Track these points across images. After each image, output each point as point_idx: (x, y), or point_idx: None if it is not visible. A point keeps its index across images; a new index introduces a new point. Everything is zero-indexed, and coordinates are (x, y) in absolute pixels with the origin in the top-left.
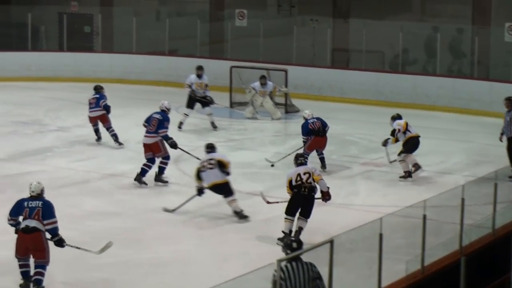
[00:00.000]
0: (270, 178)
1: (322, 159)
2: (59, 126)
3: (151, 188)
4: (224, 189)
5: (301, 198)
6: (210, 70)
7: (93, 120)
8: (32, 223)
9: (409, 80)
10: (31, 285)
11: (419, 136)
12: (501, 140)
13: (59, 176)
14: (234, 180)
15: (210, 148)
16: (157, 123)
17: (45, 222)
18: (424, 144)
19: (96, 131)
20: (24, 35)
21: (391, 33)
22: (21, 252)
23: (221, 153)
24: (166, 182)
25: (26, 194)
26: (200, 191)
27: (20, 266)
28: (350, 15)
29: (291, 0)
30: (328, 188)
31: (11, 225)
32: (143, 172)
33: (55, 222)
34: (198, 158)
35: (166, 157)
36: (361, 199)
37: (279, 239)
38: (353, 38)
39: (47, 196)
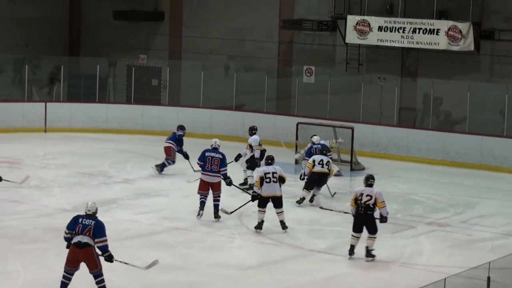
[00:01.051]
0: (334, 235)
1: None
2: (124, 178)
3: (214, 242)
4: (279, 202)
5: (359, 216)
6: (277, 126)
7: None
8: (84, 239)
9: (476, 140)
10: None
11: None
12: None
13: (123, 228)
14: (297, 238)
15: (271, 160)
16: (219, 162)
17: (96, 240)
18: (490, 205)
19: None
20: (92, 86)
21: (459, 92)
22: (71, 264)
23: (280, 168)
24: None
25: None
26: (255, 198)
27: (64, 277)
28: (418, 74)
29: (359, 58)
30: (388, 213)
31: (66, 238)
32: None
33: (105, 240)
34: (248, 193)
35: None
36: (424, 259)
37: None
38: (420, 97)
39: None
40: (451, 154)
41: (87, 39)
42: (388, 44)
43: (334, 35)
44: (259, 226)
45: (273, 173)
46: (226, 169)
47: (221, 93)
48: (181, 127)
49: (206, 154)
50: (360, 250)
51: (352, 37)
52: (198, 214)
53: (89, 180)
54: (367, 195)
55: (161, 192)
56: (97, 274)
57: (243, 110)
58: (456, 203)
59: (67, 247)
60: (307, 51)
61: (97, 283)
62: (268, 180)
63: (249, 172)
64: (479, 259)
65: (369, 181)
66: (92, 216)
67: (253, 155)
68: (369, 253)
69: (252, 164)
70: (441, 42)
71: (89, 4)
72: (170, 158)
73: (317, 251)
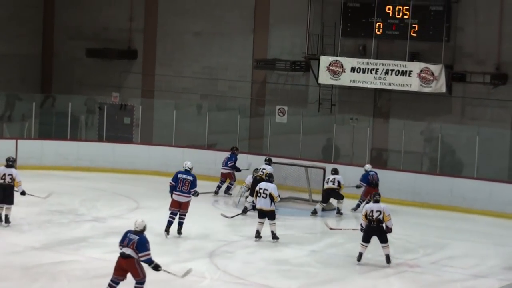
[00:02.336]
0: (305, 275)
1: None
2: (94, 216)
3: (184, 281)
4: (271, 215)
5: (372, 229)
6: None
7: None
8: (128, 251)
9: (447, 182)
10: None
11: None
12: None
13: (93, 267)
14: (268, 277)
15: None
16: (190, 184)
17: (140, 254)
18: (459, 246)
19: (219, 187)
20: (64, 124)
21: (430, 133)
22: (117, 273)
23: (273, 186)
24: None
25: (60, 284)
26: (245, 211)
27: (109, 285)
28: (390, 115)
29: (332, 98)
30: (392, 225)
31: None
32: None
33: (148, 254)
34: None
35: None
36: None
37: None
38: (392, 138)
39: (80, 286)
40: (421, 195)
41: (59, 77)
42: (360, 85)
43: (307, 75)
44: (257, 235)
45: (264, 189)
46: (195, 190)
47: (193, 132)
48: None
49: (179, 175)
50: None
51: (325, 78)
52: (166, 231)
53: (59, 218)
54: (377, 211)
55: None
56: (139, 281)
57: (215, 149)
58: (426, 244)
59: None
60: (280, 91)
61: None
62: (258, 195)
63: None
64: None
65: (375, 197)
66: (138, 232)
67: None
68: (388, 259)
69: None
70: (413, 83)
71: (62, 42)
72: (232, 181)
73: None
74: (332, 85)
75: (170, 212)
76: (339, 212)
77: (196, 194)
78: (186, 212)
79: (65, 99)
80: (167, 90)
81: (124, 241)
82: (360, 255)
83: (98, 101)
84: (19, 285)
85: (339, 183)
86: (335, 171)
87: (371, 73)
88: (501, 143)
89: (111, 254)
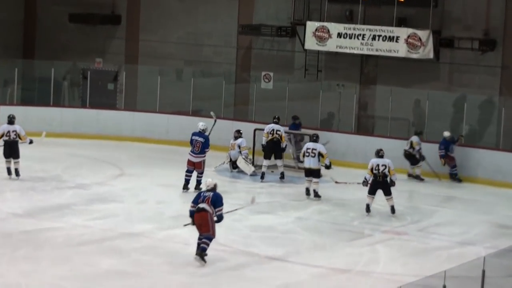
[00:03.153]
0: (291, 243)
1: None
2: (78, 183)
3: (169, 248)
4: (317, 174)
5: (378, 183)
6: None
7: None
8: (202, 205)
9: (434, 148)
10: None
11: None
12: None
13: (76, 234)
14: (253, 244)
15: (316, 137)
16: (201, 145)
17: (215, 209)
18: (447, 214)
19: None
20: (47, 90)
21: (417, 101)
22: (198, 229)
23: (320, 145)
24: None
25: (44, 252)
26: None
27: (199, 238)
28: (377, 82)
29: (318, 65)
30: (396, 179)
31: (190, 212)
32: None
33: (222, 209)
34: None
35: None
36: (381, 267)
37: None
38: (379, 104)
39: (64, 253)
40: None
41: (42, 43)
42: (347, 51)
43: (293, 41)
44: (307, 192)
45: (313, 149)
46: (207, 150)
47: (178, 98)
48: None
49: (192, 137)
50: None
51: (311, 43)
52: (184, 189)
53: (42, 184)
54: (382, 165)
55: (116, 198)
56: (205, 236)
57: (200, 115)
58: (413, 212)
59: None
60: (265, 57)
61: (202, 242)
62: (307, 155)
63: (277, 161)
64: (435, 268)
65: (380, 152)
66: (211, 190)
67: None
68: (393, 210)
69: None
70: (400, 49)
71: (45, 7)
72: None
73: (272, 258)
74: (318, 51)
75: (186, 170)
76: (317, 195)
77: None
78: (201, 170)
79: (48, 65)
80: (151, 56)
81: (198, 199)
82: (368, 206)
83: (81, 67)
84: (2, 253)
85: (320, 155)
86: (316, 138)
87: (358, 39)
88: (489, 110)
89: (94, 221)
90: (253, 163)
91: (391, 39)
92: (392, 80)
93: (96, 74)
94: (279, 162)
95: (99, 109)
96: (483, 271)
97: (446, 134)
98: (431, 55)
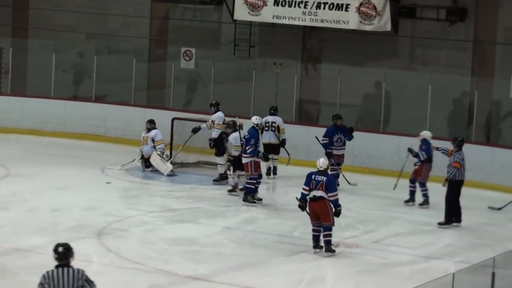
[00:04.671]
0: (217, 259)
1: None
2: None
3: None
4: (277, 150)
5: None
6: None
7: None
8: (319, 193)
9: (393, 141)
10: (322, 245)
11: None
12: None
13: None
14: (171, 261)
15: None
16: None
17: (329, 194)
18: (408, 221)
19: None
20: None
21: (371, 82)
22: (314, 218)
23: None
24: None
25: None
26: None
27: (313, 230)
28: (322, 60)
29: (250, 39)
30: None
31: (303, 195)
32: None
33: (337, 194)
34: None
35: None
36: (328, 287)
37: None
38: (325, 87)
39: None
40: (361, 158)
41: None
42: (286, 21)
43: (219, 9)
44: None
45: (272, 122)
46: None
47: (78, 80)
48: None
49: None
50: None
51: (241, 13)
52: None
53: None
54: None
55: (0, 204)
56: (327, 226)
57: (105, 101)
58: (367, 219)
59: (301, 204)
60: (186, 30)
61: (324, 236)
62: (267, 128)
63: (218, 159)
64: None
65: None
66: (324, 172)
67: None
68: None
69: (220, 147)
70: (351, 20)
71: None
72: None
73: (195, 277)
74: (250, 22)
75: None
76: (274, 173)
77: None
78: (249, 174)
79: None
80: (44, 28)
81: (311, 183)
82: None
83: None
84: None
85: (278, 129)
86: (274, 110)
87: (299, 7)
88: (459, 94)
89: None
90: (170, 161)
91: (339, 7)
92: (341, 58)
93: None
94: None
95: None
96: None
97: (427, 134)
98: (389, 27)
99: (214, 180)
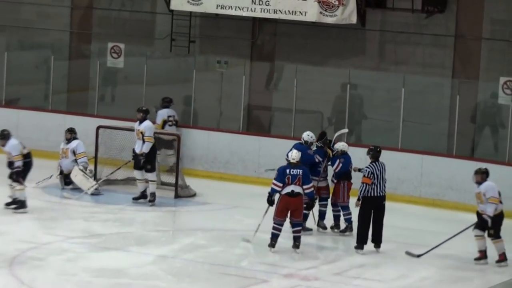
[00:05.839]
0: None
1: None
2: None
3: None
4: None
5: None
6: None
7: None
8: (297, 189)
9: (358, 154)
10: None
11: None
12: None
13: None
14: None
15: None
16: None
17: (305, 187)
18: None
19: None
20: None
21: (334, 85)
22: (282, 214)
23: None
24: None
25: None
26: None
27: (274, 228)
28: (275, 57)
29: (190, 33)
30: None
31: (274, 190)
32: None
33: (312, 186)
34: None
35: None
36: None
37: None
38: (279, 90)
39: None
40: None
41: None
42: (232, 12)
43: None
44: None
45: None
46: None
47: None
48: None
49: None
50: None
51: (180, 2)
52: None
53: None
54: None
55: None
56: (298, 223)
57: (17, 107)
58: (327, 246)
59: (271, 199)
60: (113, 22)
61: (295, 232)
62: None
63: (150, 175)
64: None
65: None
66: (297, 165)
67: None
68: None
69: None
70: (309, 11)
71: None
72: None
73: None
74: (190, 13)
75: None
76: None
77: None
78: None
79: None
80: None
81: (286, 178)
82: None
83: None
84: None
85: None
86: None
87: None
88: (437, 98)
89: None
90: (95, 177)
91: None
92: (298, 56)
93: None
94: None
95: None
96: None
97: (344, 146)
98: (354, 19)
99: (134, 199)
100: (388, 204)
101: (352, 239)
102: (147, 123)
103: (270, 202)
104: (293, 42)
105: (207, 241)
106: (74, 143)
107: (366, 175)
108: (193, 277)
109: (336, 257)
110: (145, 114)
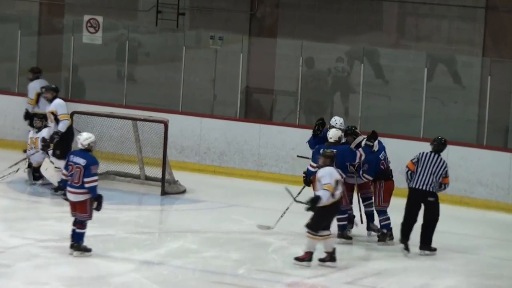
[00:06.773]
0: None
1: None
2: None
3: None
4: None
5: None
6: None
7: None
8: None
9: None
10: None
11: None
12: None
13: None
14: None
15: None
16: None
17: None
18: (394, 253)
19: None
20: None
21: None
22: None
23: None
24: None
25: None
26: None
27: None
28: (277, 32)
29: (179, 4)
30: None
31: (311, 171)
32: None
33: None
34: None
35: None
36: None
37: None
38: (281, 70)
39: None
40: None
41: None
42: None
43: None
44: None
45: None
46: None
47: None
48: None
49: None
50: None
51: None
52: None
53: None
54: None
55: None
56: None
57: None
58: (338, 251)
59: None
60: None
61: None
62: None
63: (58, 162)
64: None
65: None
66: (336, 145)
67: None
68: None
69: (63, 146)
70: None
71: None
72: None
73: None
74: None
75: None
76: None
77: None
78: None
79: None
80: None
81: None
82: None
83: None
84: None
85: None
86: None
87: None
88: (466, 80)
89: None
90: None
91: None
92: (303, 31)
93: None
94: None
95: None
96: None
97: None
98: None
99: (54, 189)
100: None
101: (368, 244)
102: (59, 101)
103: (308, 182)
104: (298, 15)
105: (199, 245)
106: (44, 132)
107: (412, 159)
108: (182, 287)
109: (349, 264)
110: (55, 92)
